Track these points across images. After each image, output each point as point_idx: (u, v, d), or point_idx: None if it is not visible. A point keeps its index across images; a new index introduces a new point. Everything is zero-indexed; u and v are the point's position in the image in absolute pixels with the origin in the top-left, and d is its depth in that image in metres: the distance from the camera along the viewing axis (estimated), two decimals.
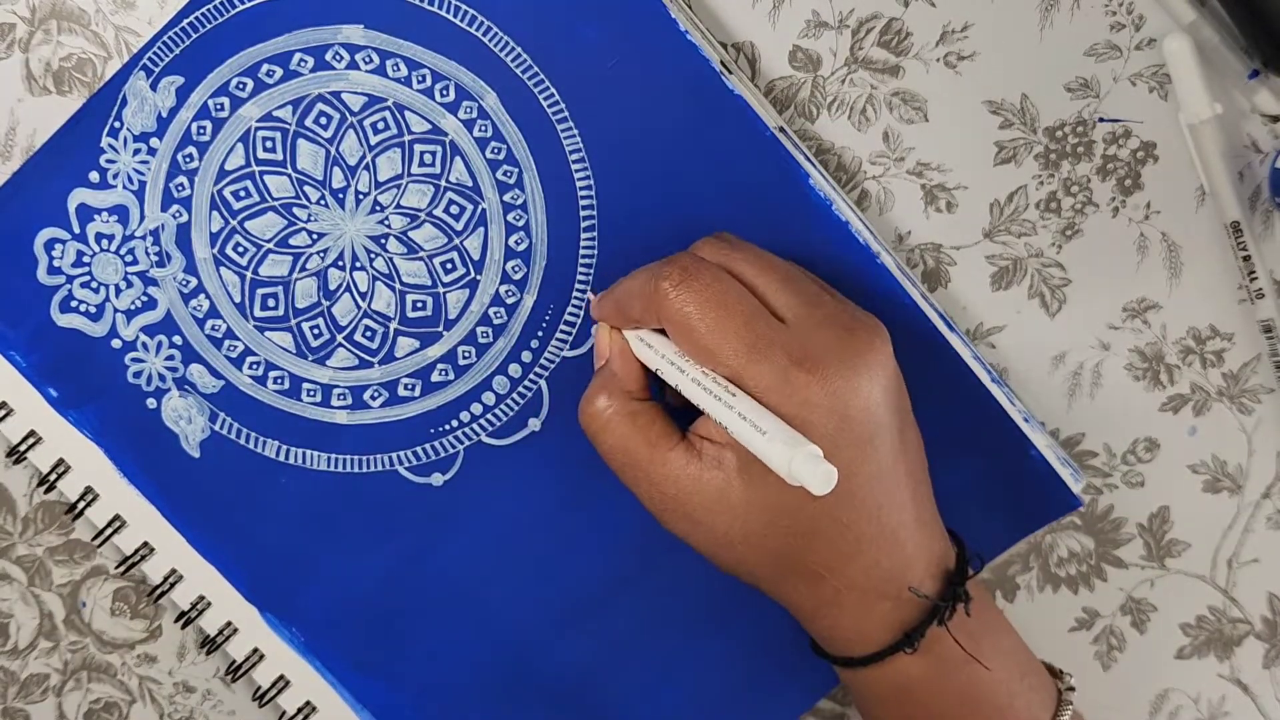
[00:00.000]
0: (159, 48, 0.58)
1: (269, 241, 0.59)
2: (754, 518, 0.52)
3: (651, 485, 0.53)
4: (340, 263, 0.59)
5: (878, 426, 0.52)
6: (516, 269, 0.59)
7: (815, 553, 0.52)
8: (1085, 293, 0.62)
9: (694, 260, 0.53)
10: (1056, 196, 0.62)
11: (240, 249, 0.59)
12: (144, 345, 0.60)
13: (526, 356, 0.60)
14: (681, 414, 0.54)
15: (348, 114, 0.58)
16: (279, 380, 0.60)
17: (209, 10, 0.58)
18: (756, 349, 0.51)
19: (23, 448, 0.60)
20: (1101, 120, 0.61)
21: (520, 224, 0.59)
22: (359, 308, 0.59)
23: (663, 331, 0.54)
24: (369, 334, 0.60)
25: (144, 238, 0.59)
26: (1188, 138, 0.60)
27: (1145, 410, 0.63)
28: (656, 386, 0.56)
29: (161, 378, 0.60)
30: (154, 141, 0.58)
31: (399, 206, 0.59)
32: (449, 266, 0.59)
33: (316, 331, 0.60)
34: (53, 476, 0.61)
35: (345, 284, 0.59)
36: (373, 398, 0.60)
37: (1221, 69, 0.60)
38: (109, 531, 0.61)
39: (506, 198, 0.59)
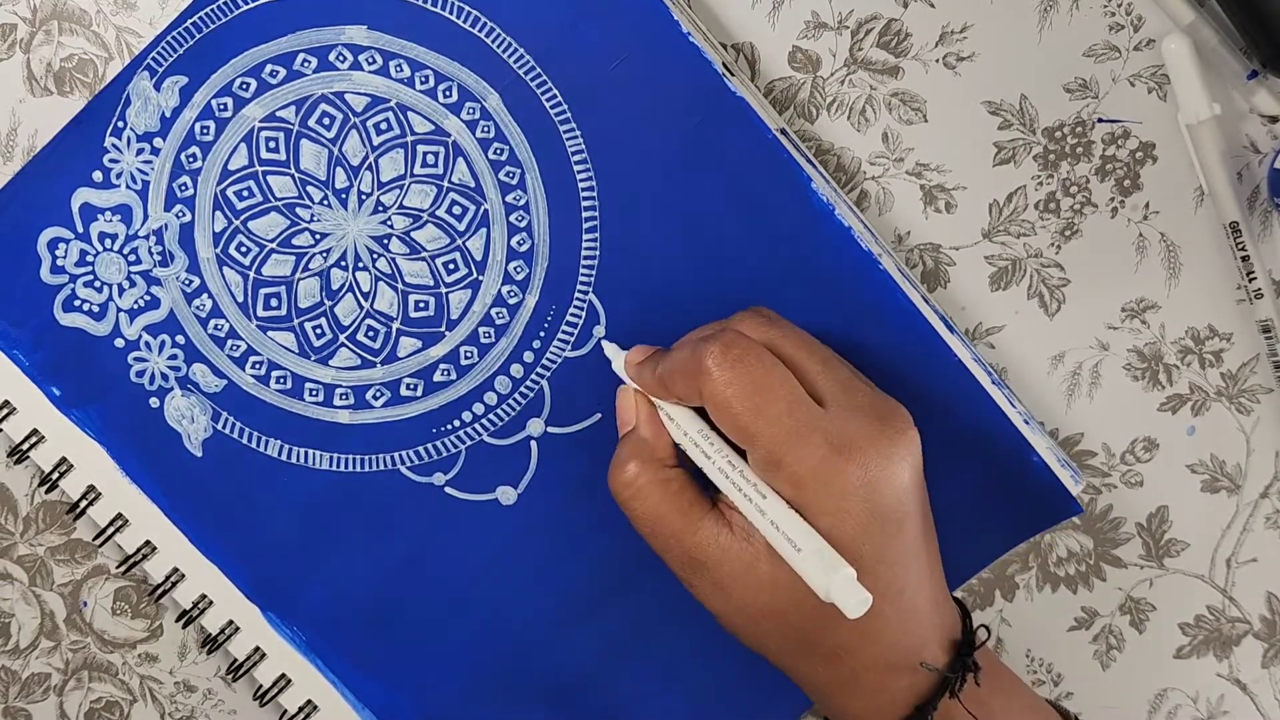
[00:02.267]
0: (163, 48, 0.58)
1: (272, 241, 0.59)
2: (780, 594, 0.52)
3: (683, 551, 0.53)
4: (343, 263, 0.59)
5: (905, 513, 0.52)
6: (519, 269, 0.59)
7: (837, 634, 0.52)
8: (1084, 293, 0.62)
9: (738, 337, 0.52)
10: (1055, 197, 0.62)
11: (243, 249, 0.59)
12: (147, 344, 0.60)
13: (528, 357, 0.60)
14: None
15: (351, 114, 0.58)
16: (281, 380, 0.60)
17: (213, 10, 0.58)
18: (798, 434, 0.51)
19: (25, 446, 0.60)
20: (1100, 121, 0.61)
21: (522, 225, 0.59)
22: (361, 308, 0.59)
23: (695, 409, 0.54)
24: (371, 334, 0.60)
25: (147, 237, 0.59)
26: (1186, 138, 0.60)
27: (1144, 410, 0.63)
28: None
29: (164, 377, 0.60)
30: (157, 141, 0.59)
31: (401, 207, 0.59)
32: (451, 267, 0.59)
33: (319, 331, 0.60)
34: (55, 475, 0.61)
35: (348, 284, 0.59)
36: (375, 397, 0.60)
37: (1220, 69, 0.61)
38: (111, 530, 0.61)
39: (509, 199, 0.59)
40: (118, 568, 0.62)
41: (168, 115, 0.59)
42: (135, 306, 0.60)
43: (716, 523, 0.53)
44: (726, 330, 0.53)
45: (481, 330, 0.60)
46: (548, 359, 0.60)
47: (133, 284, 0.59)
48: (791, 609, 0.52)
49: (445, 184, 0.59)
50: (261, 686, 0.62)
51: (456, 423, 0.60)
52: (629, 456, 0.54)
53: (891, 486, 0.51)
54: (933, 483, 0.59)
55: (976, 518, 0.60)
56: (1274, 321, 0.61)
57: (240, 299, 0.59)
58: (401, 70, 0.58)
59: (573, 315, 0.59)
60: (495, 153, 0.59)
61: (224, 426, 0.60)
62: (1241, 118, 0.61)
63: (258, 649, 0.62)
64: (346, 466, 0.60)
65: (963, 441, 0.59)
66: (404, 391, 0.60)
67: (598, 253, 0.59)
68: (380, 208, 0.59)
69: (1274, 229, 0.62)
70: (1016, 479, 0.60)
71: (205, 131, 0.59)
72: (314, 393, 0.60)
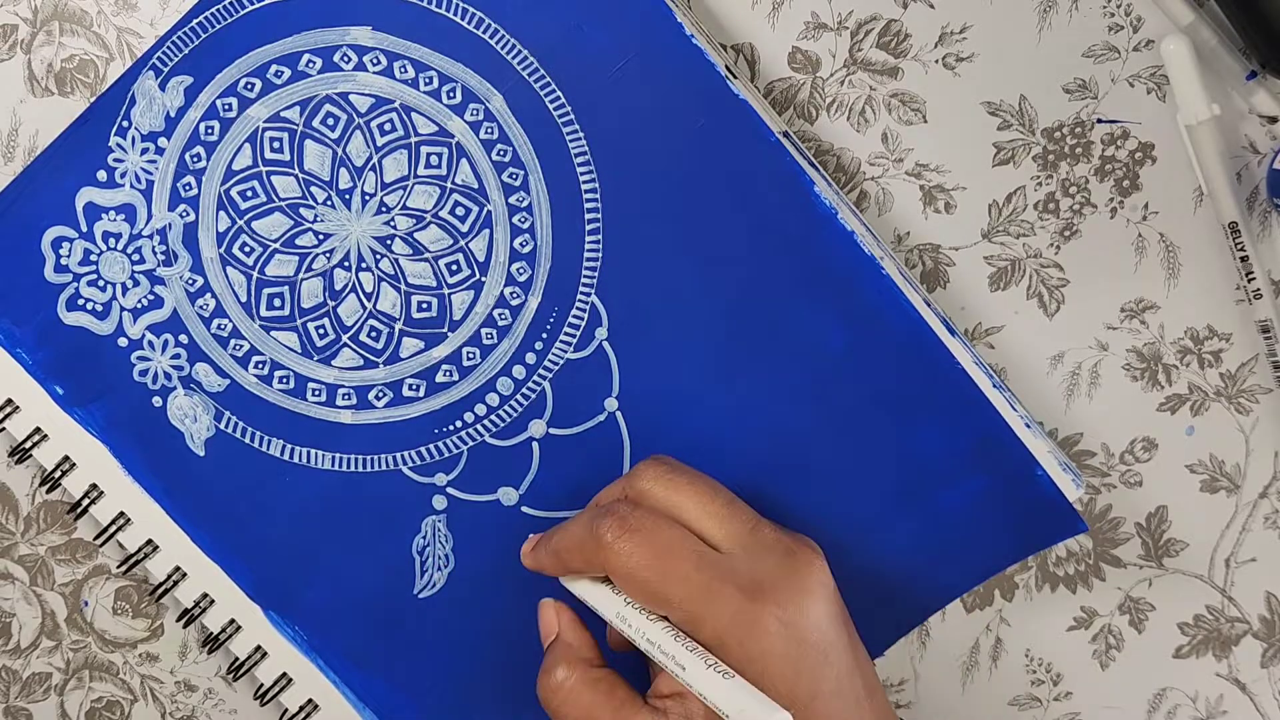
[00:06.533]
0: (168, 47, 0.58)
1: (275, 241, 0.59)
2: None
3: None
4: (346, 263, 0.59)
5: (830, 644, 0.52)
6: (521, 271, 0.59)
7: None
8: (1083, 293, 0.63)
9: (630, 508, 0.53)
10: (1055, 197, 0.62)
11: (247, 249, 0.59)
12: (150, 344, 0.60)
13: (530, 358, 0.60)
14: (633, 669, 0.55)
15: (355, 115, 0.59)
16: (284, 380, 0.60)
17: (218, 11, 0.58)
18: (709, 590, 0.51)
19: (28, 445, 0.60)
20: (1100, 121, 0.62)
21: (525, 226, 0.59)
22: (364, 308, 0.60)
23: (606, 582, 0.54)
24: (374, 334, 0.60)
25: (151, 236, 0.59)
26: (1186, 139, 0.61)
27: (1143, 410, 0.63)
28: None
29: (167, 376, 0.60)
30: (162, 141, 0.59)
31: (405, 208, 0.59)
32: (454, 268, 0.59)
33: (322, 331, 0.60)
34: (57, 474, 0.61)
35: (351, 284, 0.59)
36: (377, 398, 0.60)
37: (1219, 70, 0.61)
38: (113, 529, 0.61)
39: (512, 200, 0.59)
40: (119, 567, 0.62)
41: (172, 115, 0.59)
42: (138, 306, 0.60)
43: (651, 716, 0.52)
44: (619, 501, 0.54)
45: (484, 331, 0.60)
46: (550, 360, 0.60)
47: (136, 283, 0.59)
48: None
49: (448, 185, 0.59)
50: (262, 686, 0.62)
51: (459, 423, 0.60)
52: (556, 662, 0.54)
53: (809, 620, 0.52)
54: (935, 492, 0.59)
55: (977, 531, 0.60)
56: (1273, 322, 0.61)
57: (243, 299, 0.60)
58: (406, 71, 0.58)
59: (575, 317, 0.59)
60: (498, 154, 0.59)
61: (226, 426, 0.60)
62: (1241, 118, 0.62)
63: (259, 648, 0.62)
64: (349, 466, 0.60)
65: (965, 452, 0.59)
66: (406, 392, 0.60)
67: (600, 255, 0.59)
68: (384, 208, 0.59)
69: (1273, 229, 0.62)
70: (1020, 494, 0.59)
71: (210, 131, 0.59)
72: (317, 393, 0.60)
